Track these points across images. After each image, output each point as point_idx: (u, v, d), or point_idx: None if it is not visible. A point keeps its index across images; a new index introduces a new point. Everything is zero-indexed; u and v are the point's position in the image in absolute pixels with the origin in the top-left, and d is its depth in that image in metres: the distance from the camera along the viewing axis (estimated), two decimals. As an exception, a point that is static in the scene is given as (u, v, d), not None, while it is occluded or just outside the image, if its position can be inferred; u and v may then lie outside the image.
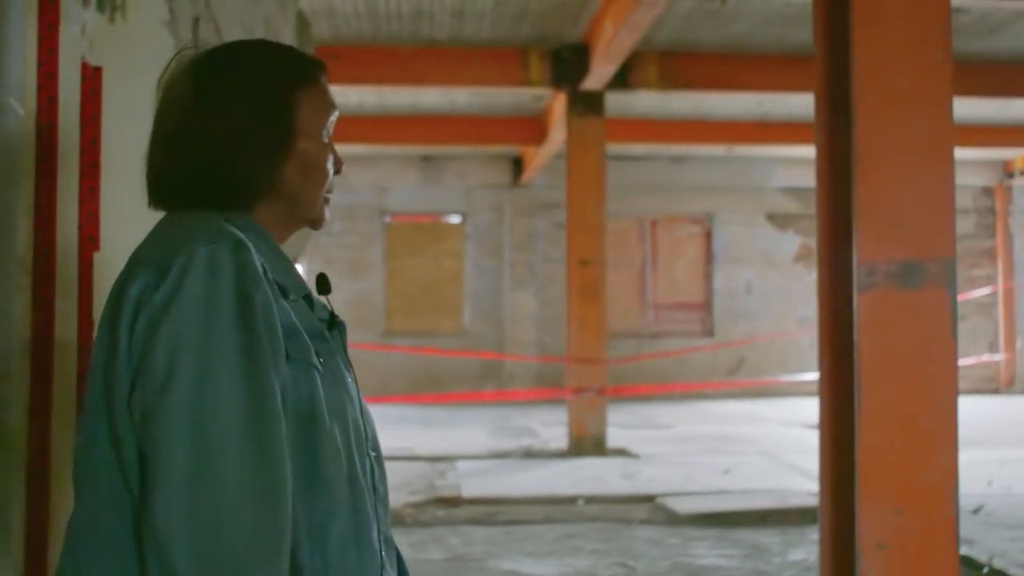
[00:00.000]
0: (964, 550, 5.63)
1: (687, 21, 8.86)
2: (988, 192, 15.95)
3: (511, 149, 14.64)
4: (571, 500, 7.30)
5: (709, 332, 15.69)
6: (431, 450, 9.65)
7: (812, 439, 10.26)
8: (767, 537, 6.23)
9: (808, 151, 14.25)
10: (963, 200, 16.01)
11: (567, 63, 9.54)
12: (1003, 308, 15.74)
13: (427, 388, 14.74)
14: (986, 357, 13.37)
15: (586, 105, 9.84)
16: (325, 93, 1.51)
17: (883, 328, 3.49)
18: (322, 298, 1.53)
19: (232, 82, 1.43)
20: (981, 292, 15.18)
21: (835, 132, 3.73)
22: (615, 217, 15.72)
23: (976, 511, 6.64)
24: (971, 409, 14.01)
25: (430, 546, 6.04)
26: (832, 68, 3.78)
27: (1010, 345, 15.60)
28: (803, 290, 15.60)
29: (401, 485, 7.57)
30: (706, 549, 5.94)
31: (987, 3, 8.18)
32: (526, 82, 9.73)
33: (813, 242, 15.90)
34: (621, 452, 9.62)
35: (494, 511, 6.99)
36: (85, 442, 1.33)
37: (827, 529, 3.72)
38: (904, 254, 3.49)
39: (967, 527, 6.20)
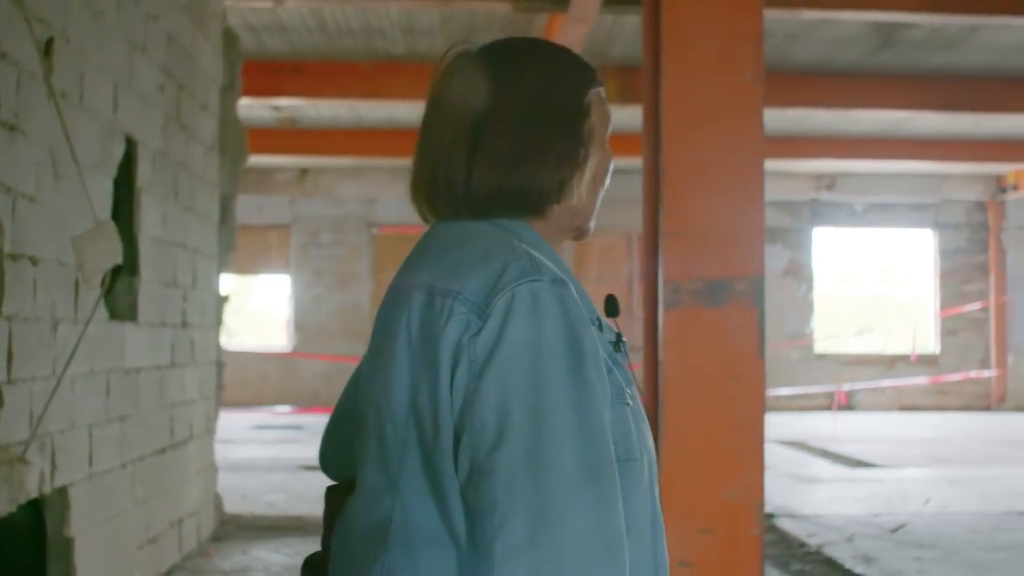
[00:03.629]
0: (860, 568, 5.59)
1: (635, 39, 8.87)
2: (981, 207, 15.78)
3: (497, 162, 14.65)
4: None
5: (697, 346, 15.61)
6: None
7: (787, 455, 10.21)
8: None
9: (794, 164, 14.19)
10: (956, 215, 15.87)
11: (526, 78, 9.56)
12: (995, 324, 15.51)
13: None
14: (975, 373, 13.18)
15: (544, 119, 9.84)
16: (606, 97, 1.42)
17: (687, 346, 3.50)
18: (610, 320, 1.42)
19: (530, 86, 1.34)
20: (972, 307, 15.02)
21: (657, 147, 3.74)
22: (601, 231, 15.72)
23: (895, 530, 6.58)
24: (956, 427, 13.86)
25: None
26: (655, 83, 3.79)
27: (1001, 361, 15.37)
28: (791, 304, 15.53)
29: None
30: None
31: (936, 18, 8.13)
32: (485, 96, 9.75)
33: (801, 256, 15.85)
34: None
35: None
36: (388, 480, 1.26)
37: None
38: (710, 272, 3.50)
39: (877, 545, 6.16)
